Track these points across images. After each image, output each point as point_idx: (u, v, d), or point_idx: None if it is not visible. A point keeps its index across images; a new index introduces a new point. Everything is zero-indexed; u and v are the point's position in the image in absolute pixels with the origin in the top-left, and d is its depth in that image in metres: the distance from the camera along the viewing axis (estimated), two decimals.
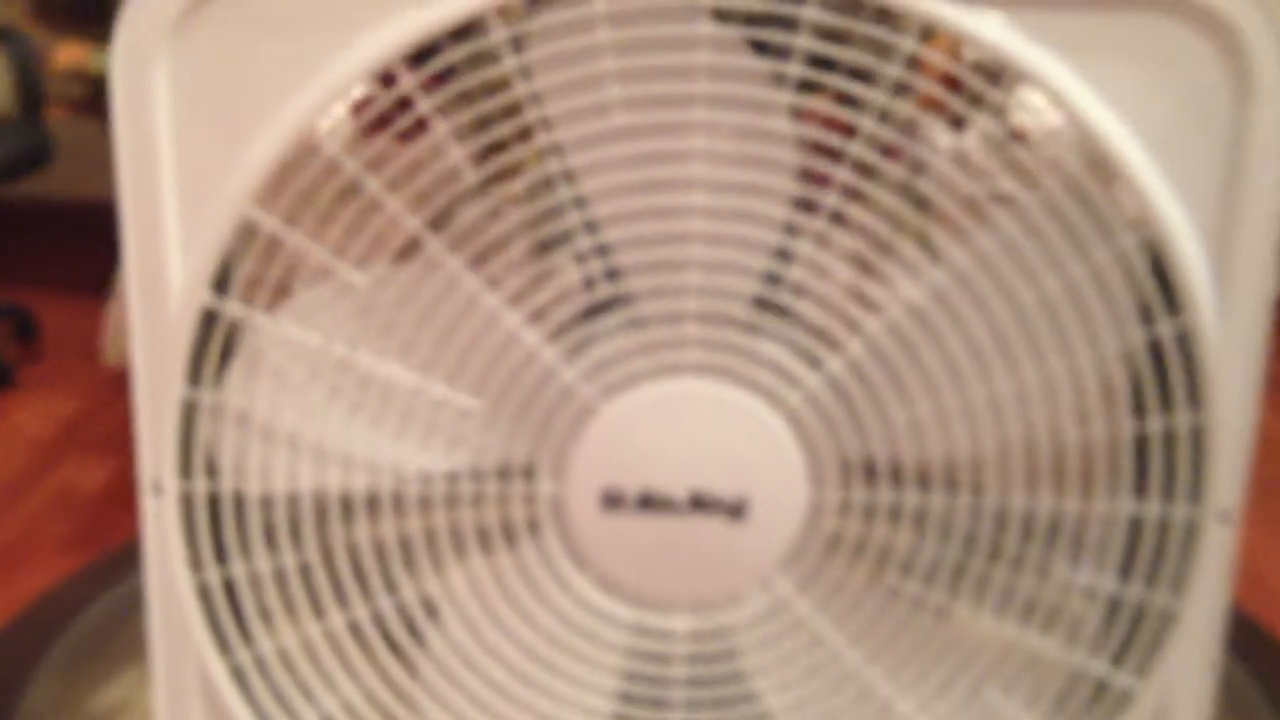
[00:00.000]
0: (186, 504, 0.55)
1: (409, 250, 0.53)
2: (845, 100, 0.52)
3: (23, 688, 0.83)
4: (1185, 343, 0.53)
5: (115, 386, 2.54)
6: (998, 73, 0.52)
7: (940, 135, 0.57)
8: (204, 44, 0.51)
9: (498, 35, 0.50)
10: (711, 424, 0.55)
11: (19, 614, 0.90)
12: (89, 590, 0.93)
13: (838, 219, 0.53)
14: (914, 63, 0.52)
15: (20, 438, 2.27)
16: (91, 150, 3.50)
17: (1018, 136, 0.58)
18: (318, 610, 0.57)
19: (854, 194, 0.53)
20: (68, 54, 2.99)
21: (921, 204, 0.54)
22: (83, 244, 3.25)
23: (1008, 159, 0.55)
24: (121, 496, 2.13)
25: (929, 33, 0.52)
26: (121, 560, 0.99)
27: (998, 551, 0.57)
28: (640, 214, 0.53)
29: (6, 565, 1.78)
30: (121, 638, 0.91)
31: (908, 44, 0.51)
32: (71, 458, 2.28)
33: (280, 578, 0.56)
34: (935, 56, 0.51)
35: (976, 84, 0.52)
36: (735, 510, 0.55)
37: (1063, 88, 0.51)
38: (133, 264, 0.53)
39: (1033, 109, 0.54)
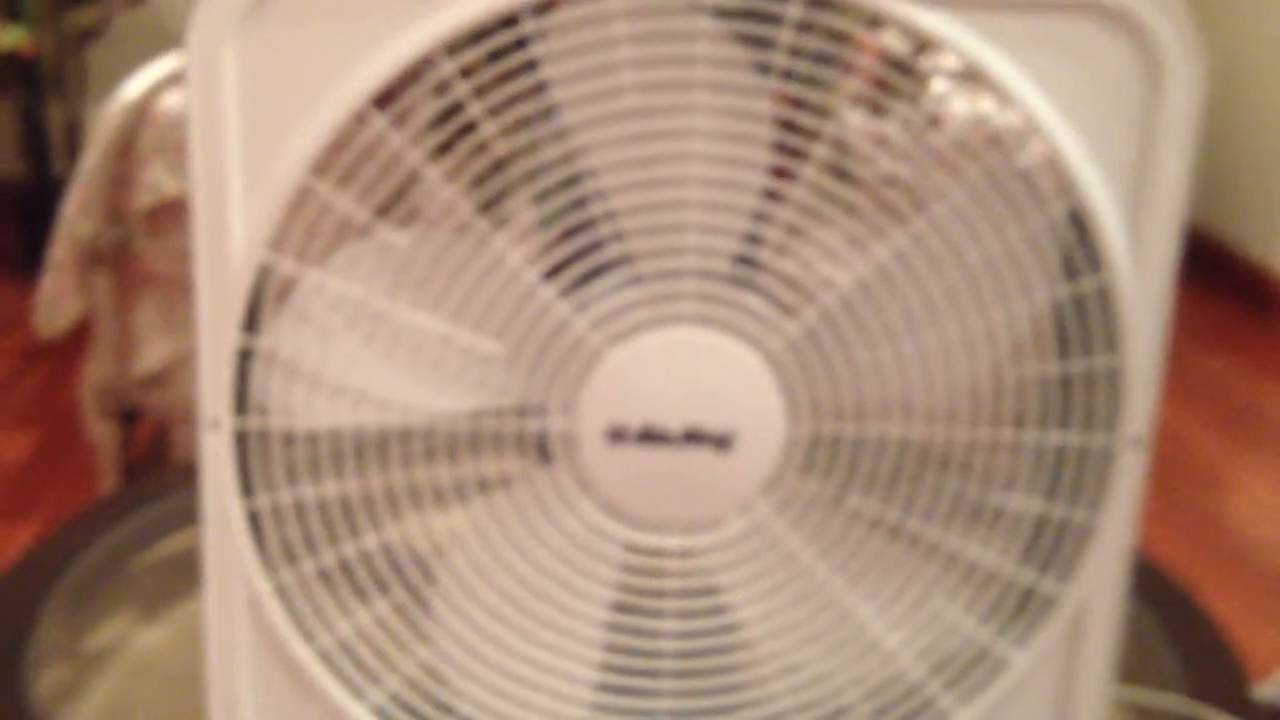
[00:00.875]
0: (240, 439, 0.62)
1: (441, 216, 0.61)
2: (819, 86, 0.61)
3: (30, 627, 0.89)
4: (1104, 296, 0.63)
5: (29, 358, 2.56)
6: (954, 69, 0.61)
7: (879, 122, 0.66)
8: (268, 32, 0.58)
9: (528, 26, 0.58)
10: (703, 367, 0.63)
11: (19, 559, 0.95)
12: (82, 538, 0.99)
13: (813, 191, 0.61)
14: (876, 54, 0.61)
15: None
16: None
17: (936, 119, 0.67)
18: (354, 533, 0.64)
19: (825, 168, 0.61)
20: None
21: (874, 189, 0.63)
22: None
23: (957, 142, 0.64)
24: (44, 465, 2.16)
25: (878, 23, 0.61)
26: (110, 509, 1.05)
27: (944, 477, 0.66)
28: (644, 183, 0.61)
29: None
30: (115, 582, 0.97)
31: (873, 37, 0.60)
32: None
33: (322, 505, 0.63)
34: (895, 47, 0.60)
35: (928, 72, 0.61)
36: (722, 442, 0.64)
37: (1004, 77, 0.61)
38: (200, 225, 0.60)
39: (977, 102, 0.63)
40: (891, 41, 0.62)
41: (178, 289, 1.70)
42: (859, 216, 0.63)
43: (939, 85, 0.72)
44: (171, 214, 1.70)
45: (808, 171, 0.61)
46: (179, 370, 1.73)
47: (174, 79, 1.75)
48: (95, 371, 1.79)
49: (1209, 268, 3.14)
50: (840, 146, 0.63)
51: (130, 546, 1.01)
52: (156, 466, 1.96)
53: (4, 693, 0.81)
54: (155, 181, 1.69)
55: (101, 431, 1.81)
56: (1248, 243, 3.06)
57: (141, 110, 1.70)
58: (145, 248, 1.73)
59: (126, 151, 1.69)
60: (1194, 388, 2.64)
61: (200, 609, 0.66)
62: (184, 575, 0.96)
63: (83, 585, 0.95)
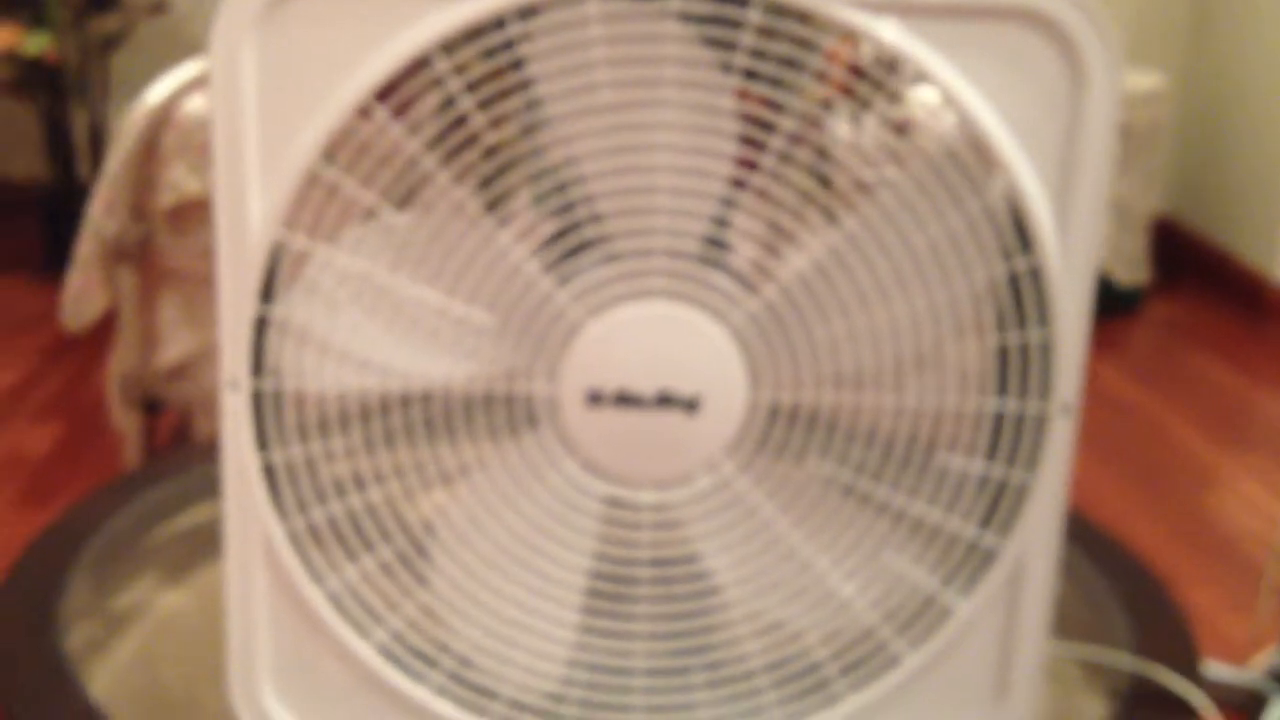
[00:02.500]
0: (256, 398, 0.70)
1: (437, 199, 0.68)
2: (776, 84, 0.68)
3: (60, 589, 0.96)
4: (1035, 275, 0.70)
5: (54, 356, 2.64)
6: (894, 66, 0.68)
7: (844, 121, 0.72)
8: (282, 33, 0.65)
9: (514, 28, 0.65)
10: (673, 337, 0.70)
11: (49, 526, 1.02)
12: (107, 507, 1.06)
13: (774, 177, 0.68)
14: (828, 56, 0.67)
15: None
16: (18, 130, 3.55)
17: (903, 126, 0.74)
18: (359, 486, 0.71)
19: (782, 158, 0.68)
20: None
21: (828, 178, 0.70)
22: (9, 221, 3.32)
23: (904, 137, 0.71)
24: (68, 457, 2.24)
25: (841, 34, 0.68)
26: (134, 481, 1.12)
27: (893, 441, 0.73)
28: (619, 170, 0.68)
29: None
30: (139, 548, 1.04)
31: (824, 40, 0.67)
32: (17, 423, 2.38)
33: (329, 458, 0.70)
34: (845, 51, 0.67)
35: (878, 74, 0.68)
36: (691, 405, 0.71)
37: (945, 77, 0.67)
38: (221, 206, 0.67)
39: (918, 99, 0.70)
40: (860, 53, 0.69)
41: (199, 284, 1.78)
42: (821, 207, 0.70)
43: (912, 94, 0.79)
44: (193, 212, 1.77)
45: (767, 161, 0.68)
46: (200, 362, 1.80)
47: (195, 84, 1.83)
48: (119, 364, 1.86)
49: (1205, 274, 3.19)
50: (822, 153, 0.70)
51: (153, 517, 1.08)
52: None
53: (38, 646, 0.88)
54: (177, 181, 1.77)
55: (126, 422, 1.88)
56: (1243, 250, 3.12)
57: (164, 114, 1.77)
58: (168, 245, 1.80)
59: (150, 153, 1.77)
60: (1187, 390, 2.69)
61: (218, 574, 0.73)
62: (204, 544, 1.03)
63: (109, 551, 1.02)
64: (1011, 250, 0.69)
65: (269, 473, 0.71)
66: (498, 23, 0.65)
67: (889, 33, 0.66)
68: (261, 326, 0.69)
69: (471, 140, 0.67)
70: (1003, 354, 0.71)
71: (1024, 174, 0.68)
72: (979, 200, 0.69)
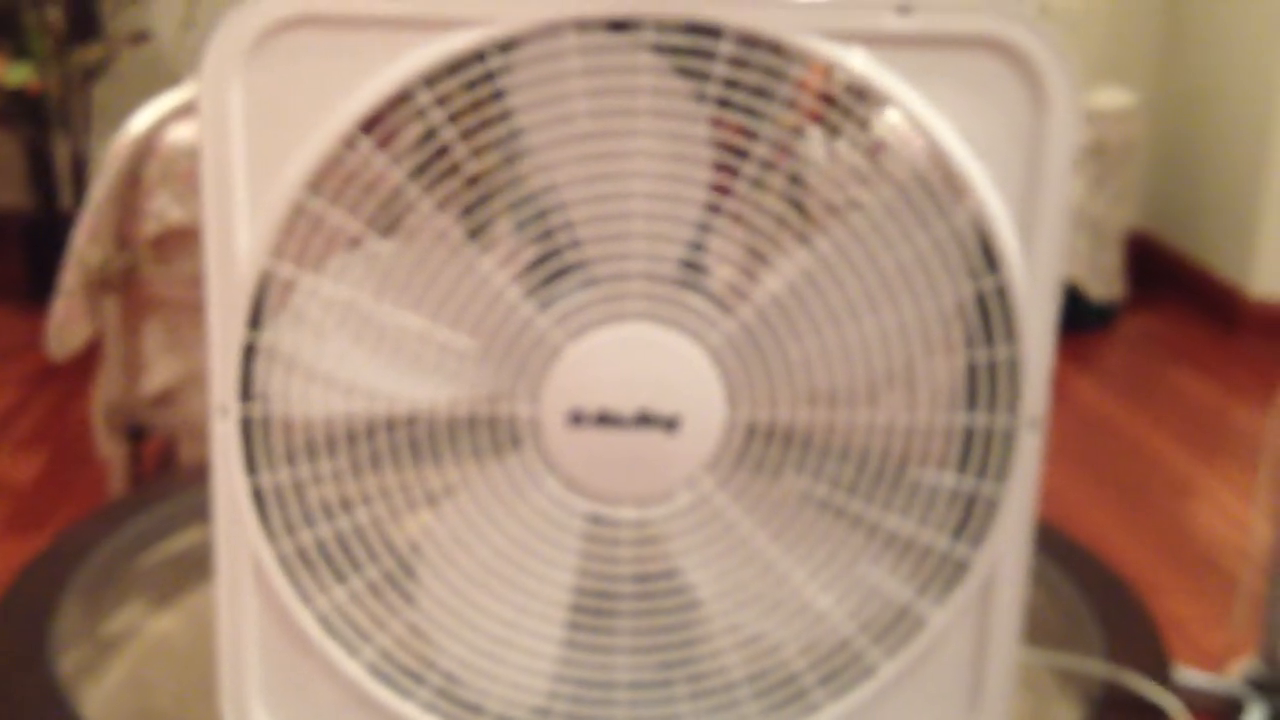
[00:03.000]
0: (245, 424, 0.71)
1: (418, 229, 0.70)
2: (748, 112, 0.70)
3: (52, 614, 0.97)
4: (1002, 294, 0.72)
5: (37, 384, 2.65)
6: (863, 94, 0.70)
7: (816, 146, 0.75)
8: (269, 68, 0.67)
9: (494, 61, 0.67)
10: (652, 358, 0.72)
11: (39, 553, 1.04)
12: (96, 533, 1.07)
13: (748, 202, 0.70)
14: (799, 84, 0.70)
15: None
16: (1, 160, 3.56)
17: (879, 144, 0.76)
18: (346, 508, 0.73)
19: (756, 183, 0.71)
20: None
21: (801, 202, 0.72)
22: None
23: (871, 160, 0.73)
24: (54, 484, 2.25)
25: (811, 62, 0.70)
26: (121, 507, 1.13)
27: (868, 456, 0.75)
28: (597, 197, 0.70)
29: None
30: (128, 573, 1.06)
31: (794, 70, 0.69)
32: (1, 451, 2.39)
33: (317, 481, 0.72)
34: (815, 79, 0.69)
35: (848, 101, 0.70)
36: (670, 424, 0.73)
37: (913, 105, 0.70)
38: (210, 236, 0.69)
39: (887, 125, 0.72)
40: (830, 81, 0.71)
41: (183, 312, 1.79)
42: (795, 230, 0.72)
43: (882, 117, 0.81)
44: (177, 241, 1.79)
45: (741, 186, 0.70)
46: (185, 389, 1.81)
47: (178, 113, 1.85)
48: (104, 391, 1.87)
49: (1179, 288, 3.23)
50: (795, 178, 0.72)
51: (141, 542, 1.09)
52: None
53: (31, 671, 0.89)
54: (161, 210, 1.79)
55: (111, 449, 1.89)
56: (1217, 263, 3.15)
57: (147, 143, 1.79)
58: (152, 273, 1.82)
59: (133, 182, 1.79)
60: (1164, 403, 2.72)
61: (208, 598, 0.74)
62: (192, 568, 1.05)
63: (98, 577, 1.03)
64: (978, 270, 0.72)
65: (258, 496, 0.72)
66: (478, 56, 0.67)
67: (857, 62, 0.69)
68: (250, 353, 0.70)
69: (453, 169, 0.69)
70: (971, 370, 0.74)
71: (989, 196, 0.71)
72: (946, 223, 0.71)
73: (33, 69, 3.02)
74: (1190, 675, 1.72)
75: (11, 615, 0.96)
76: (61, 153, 3.16)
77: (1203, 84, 3.28)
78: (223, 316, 0.70)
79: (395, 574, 0.74)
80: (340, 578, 0.74)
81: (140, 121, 1.82)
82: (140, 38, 3.22)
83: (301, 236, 0.69)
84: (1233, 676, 1.73)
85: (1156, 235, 3.40)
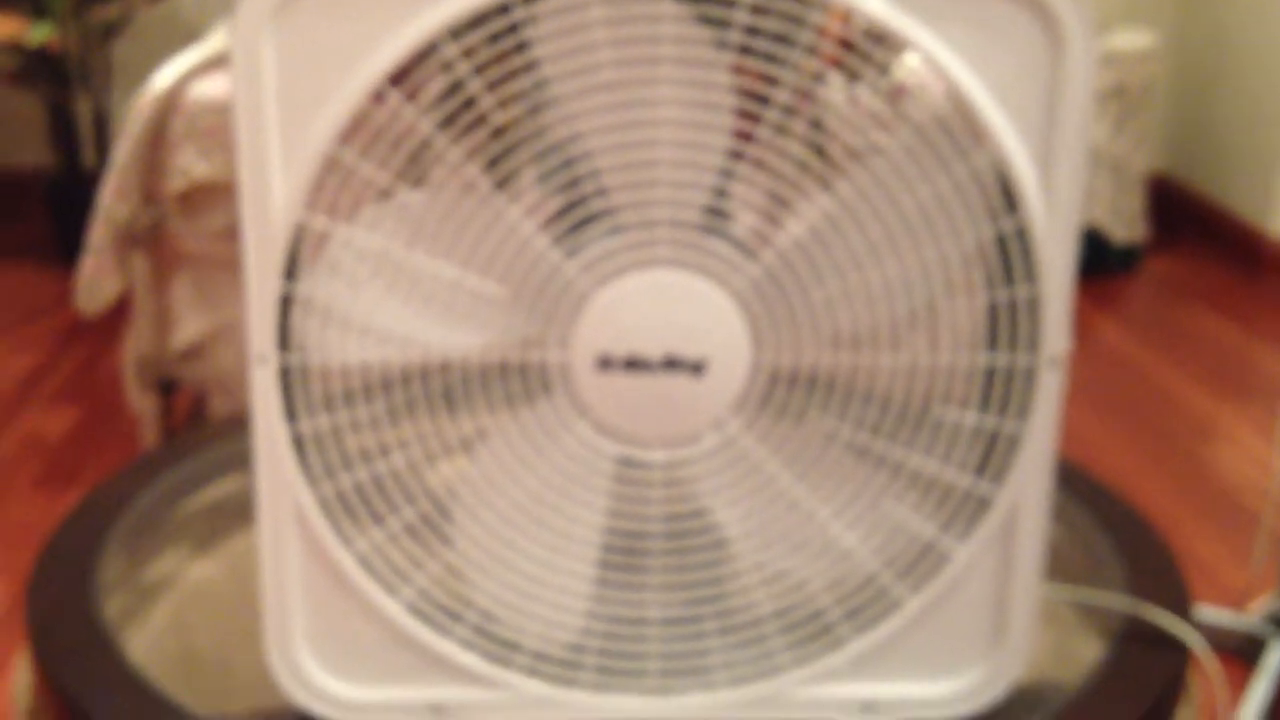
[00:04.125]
0: (284, 372, 0.73)
1: (449, 178, 0.71)
2: (769, 58, 0.71)
3: (94, 562, 1.00)
4: (1021, 235, 0.73)
5: (67, 340, 2.68)
6: (882, 38, 0.71)
7: (836, 92, 0.76)
8: (299, 22, 0.68)
9: (519, 12, 0.68)
10: (678, 303, 0.74)
11: (80, 503, 1.06)
12: (133, 484, 1.10)
13: (770, 147, 0.72)
14: (819, 30, 0.71)
15: None
16: (23, 120, 3.59)
17: (899, 89, 0.77)
18: (383, 453, 0.75)
19: (778, 129, 0.72)
20: (2, 27, 3.09)
21: (822, 147, 0.74)
22: (16, 210, 3.35)
23: (892, 105, 0.74)
24: (86, 438, 2.29)
25: (830, 8, 0.71)
26: (158, 459, 1.16)
27: (890, 397, 0.76)
28: (622, 145, 0.71)
29: None
30: (166, 522, 1.08)
31: (814, 16, 0.70)
32: (34, 407, 2.43)
33: (354, 427, 0.74)
34: (834, 25, 0.70)
35: (867, 46, 0.71)
36: (697, 368, 0.74)
37: (931, 48, 0.71)
38: (245, 189, 0.70)
39: (906, 68, 0.73)
40: (850, 27, 0.72)
41: (211, 266, 1.82)
42: (817, 175, 0.73)
43: (902, 61, 0.82)
44: (202, 196, 1.81)
45: (763, 132, 0.71)
46: (214, 342, 1.84)
47: (200, 69, 1.86)
48: (135, 346, 1.90)
49: (1201, 230, 3.22)
50: (818, 125, 0.74)
51: (177, 492, 1.12)
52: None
53: (78, 615, 0.92)
54: (186, 166, 1.81)
55: (142, 402, 1.92)
56: (1238, 205, 3.14)
57: (171, 100, 1.81)
58: (179, 229, 1.84)
59: (158, 139, 1.81)
60: (1186, 345, 2.73)
61: (245, 544, 0.77)
62: (229, 516, 1.07)
63: (139, 525, 1.06)
64: (998, 211, 0.73)
65: (297, 443, 0.74)
66: (502, 8, 0.68)
67: (876, 6, 0.70)
68: (286, 304, 0.72)
69: (480, 120, 0.70)
70: (992, 311, 0.75)
71: (1008, 138, 0.72)
72: (966, 165, 0.72)
73: (53, 27, 3.04)
74: (1212, 613, 1.75)
75: (55, 563, 0.99)
76: (83, 111, 3.18)
77: (1223, 24, 3.25)
78: (259, 268, 0.71)
79: (431, 516, 0.76)
80: (378, 520, 0.76)
81: (163, 78, 1.83)
82: None
83: (334, 189, 0.71)
84: (1254, 614, 1.75)
85: (1178, 177, 3.38)
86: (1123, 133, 2.98)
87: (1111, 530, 1.07)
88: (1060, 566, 0.96)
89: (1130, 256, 3.08)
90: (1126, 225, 3.04)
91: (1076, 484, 1.10)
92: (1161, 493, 2.14)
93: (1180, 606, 0.94)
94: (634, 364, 0.74)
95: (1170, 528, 1.11)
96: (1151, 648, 0.90)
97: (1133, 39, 2.98)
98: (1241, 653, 1.69)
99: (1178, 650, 0.89)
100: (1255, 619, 1.72)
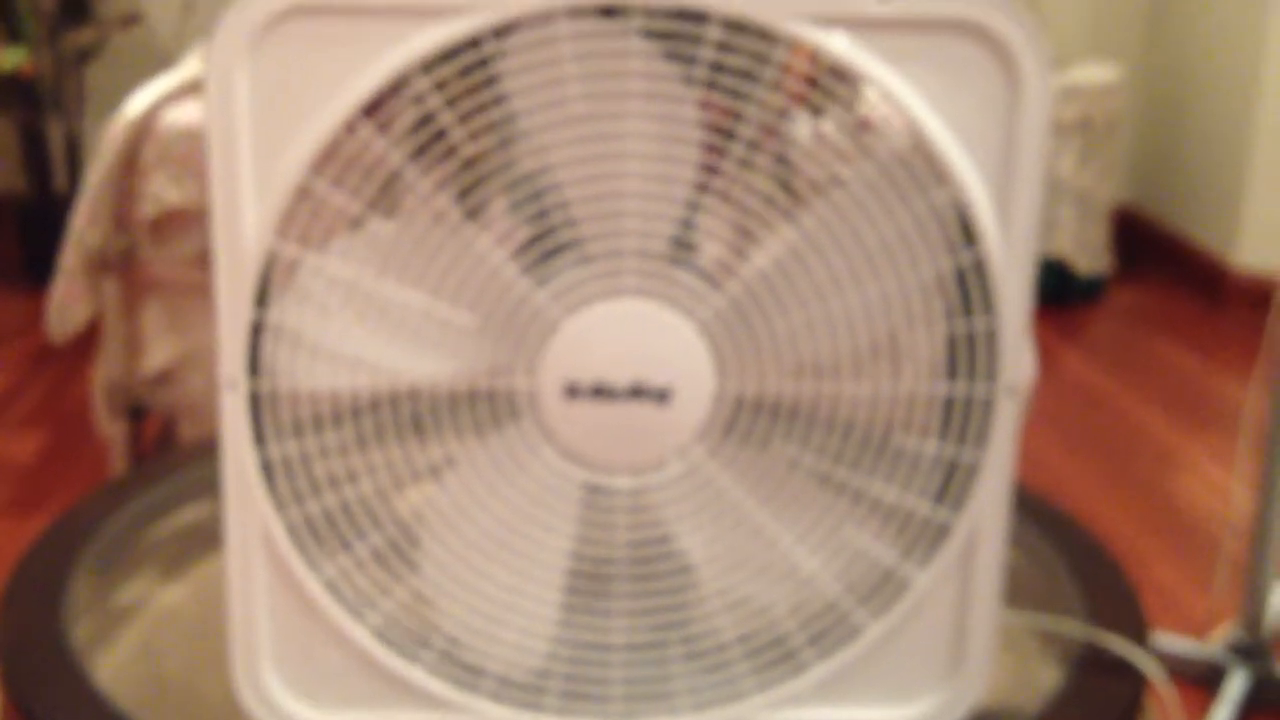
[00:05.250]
0: (253, 398, 0.74)
1: (420, 208, 0.72)
2: (734, 93, 0.73)
3: (63, 586, 1.00)
4: (979, 268, 0.75)
5: (36, 365, 2.67)
6: (845, 76, 0.73)
7: (801, 127, 0.77)
8: (274, 53, 0.69)
9: (489, 47, 0.69)
10: (645, 332, 0.75)
11: (48, 528, 1.07)
12: (102, 509, 1.10)
13: (735, 180, 0.73)
14: (784, 67, 0.72)
15: None
16: None
17: (862, 124, 0.79)
18: (351, 479, 0.76)
19: (743, 163, 0.73)
20: None
21: (787, 181, 0.75)
22: None
23: (855, 140, 0.76)
24: (54, 462, 2.28)
25: (795, 46, 0.73)
26: (127, 484, 1.16)
27: (852, 425, 0.78)
28: (591, 177, 0.72)
29: None
30: (135, 547, 1.09)
31: (779, 53, 0.71)
32: (3, 430, 2.41)
33: (323, 453, 0.75)
34: (799, 62, 0.72)
35: (830, 84, 0.73)
36: (662, 396, 0.76)
37: (893, 86, 0.72)
38: (217, 216, 0.71)
39: (870, 103, 0.75)
40: (814, 64, 0.74)
41: (181, 292, 1.82)
42: (781, 208, 0.74)
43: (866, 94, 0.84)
44: (174, 223, 1.82)
45: (728, 165, 0.73)
46: (184, 368, 1.84)
47: (173, 96, 1.87)
48: (104, 372, 1.90)
49: (1164, 261, 3.26)
50: (783, 159, 0.75)
51: (147, 517, 1.12)
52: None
53: (47, 639, 0.92)
54: (158, 192, 1.81)
55: (111, 428, 1.92)
56: (1203, 238, 3.19)
57: (144, 126, 1.81)
58: (150, 254, 1.84)
59: (130, 165, 1.81)
60: (1149, 375, 2.76)
61: (214, 569, 0.77)
62: (198, 541, 1.07)
63: (107, 550, 1.06)
64: (957, 245, 0.75)
65: (266, 468, 0.75)
66: (473, 42, 0.70)
67: (839, 46, 0.71)
68: (257, 330, 0.73)
69: (451, 152, 0.72)
70: (951, 341, 0.76)
71: (967, 174, 0.73)
72: (926, 200, 0.74)
73: (26, 52, 3.03)
74: (1173, 641, 1.77)
75: (23, 588, 0.99)
76: (55, 135, 3.17)
77: (1187, 58, 3.30)
78: (230, 295, 0.72)
79: (399, 543, 0.77)
80: (346, 546, 0.77)
81: (136, 104, 1.84)
82: (131, 20, 3.23)
83: (305, 218, 0.72)
84: (1215, 643, 1.77)
85: (1142, 209, 3.43)
86: (1088, 165, 3.02)
87: (1072, 557, 1.08)
88: (1020, 593, 0.98)
89: (1095, 287, 3.12)
90: (1091, 256, 3.08)
91: (1037, 512, 1.12)
92: (1124, 520, 2.16)
93: (1138, 634, 0.95)
94: (601, 392, 0.75)
95: (1133, 555, 1.13)
96: (1110, 675, 0.91)
97: (1098, 73, 3.03)
98: (1204, 681, 1.70)
99: (1135, 678, 0.91)
100: (1216, 647, 1.74)
